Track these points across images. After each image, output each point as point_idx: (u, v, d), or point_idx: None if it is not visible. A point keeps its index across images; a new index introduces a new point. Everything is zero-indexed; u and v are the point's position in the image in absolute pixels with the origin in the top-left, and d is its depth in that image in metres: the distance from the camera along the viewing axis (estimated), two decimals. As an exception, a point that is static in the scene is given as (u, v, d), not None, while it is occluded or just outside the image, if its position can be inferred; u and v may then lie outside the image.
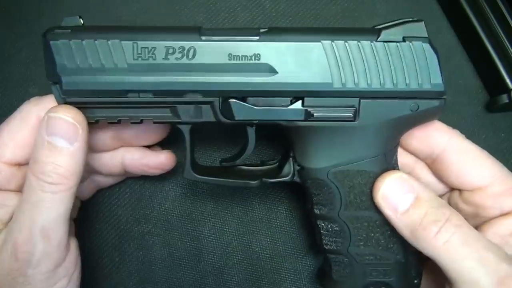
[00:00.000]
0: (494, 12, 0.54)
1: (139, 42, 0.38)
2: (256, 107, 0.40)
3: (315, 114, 0.40)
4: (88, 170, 0.48)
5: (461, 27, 0.57)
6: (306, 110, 0.40)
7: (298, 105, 0.40)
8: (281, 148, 0.49)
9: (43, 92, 0.44)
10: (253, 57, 0.38)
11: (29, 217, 0.38)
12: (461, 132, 0.45)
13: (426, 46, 0.39)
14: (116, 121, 0.41)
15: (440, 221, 0.38)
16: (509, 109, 0.55)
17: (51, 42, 0.38)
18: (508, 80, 0.53)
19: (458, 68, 0.57)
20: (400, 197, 0.40)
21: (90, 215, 0.54)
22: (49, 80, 0.39)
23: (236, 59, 0.39)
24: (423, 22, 0.39)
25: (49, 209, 0.38)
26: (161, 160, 0.49)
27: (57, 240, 0.39)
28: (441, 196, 0.46)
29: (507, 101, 0.53)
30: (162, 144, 0.51)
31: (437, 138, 0.43)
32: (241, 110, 0.40)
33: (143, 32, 0.39)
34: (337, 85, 0.39)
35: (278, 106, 0.40)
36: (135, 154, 0.48)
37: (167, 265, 0.54)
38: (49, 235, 0.38)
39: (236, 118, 0.40)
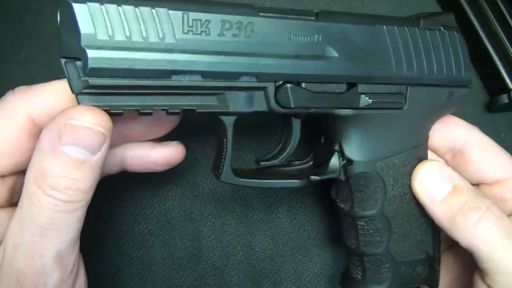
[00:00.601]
0: (494, 12, 0.54)
1: (190, 13, 0.32)
2: (313, 93, 0.37)
3: (371, 100, 0.38)
4: None
5: (461, 27, 0.57)
6: (362, 97, 0.38)
7: (354, 91, 0.38)
8: (305, 147, 0.46)
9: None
10: (313, 38, 0.35)
11: (40, 243, 0.31)
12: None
13: (459, 35, 0.41)
14: (149, 111, 0.33)
15: (481, 208, 0.37)
16: (509, 109, 0.55)
17: (74, 5, 0.29)
18: (508, 80, 0.53)
19: (458, 68, 0.57)
20: (438, 185, 0.39)
21: (90, 215, 0.54)
22: (63, 56, 0.30)
23: (297, 39, 0.35)
24: (452, 13, 0.41)
25: (65, 231, 0.32)
26: (171, 153, 0.41)
27: (72, 264, 0.33)
28: None
29: (507, 101, 0.53)
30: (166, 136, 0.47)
31: (459, 132, 0.43)
32: (299, 96, 0.36)
33: (196, 2, 0.33)
34: (388, 71, 0.38)
35: (335, 93, 0.38)
36: (139, 151, 0.41)
37: (167, 265, 0.54)
38: (65, 261, 0.32)
39: (293, 106, 0.36)
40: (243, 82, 0.35)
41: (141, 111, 0.33)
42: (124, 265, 0.53)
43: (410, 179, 0.41)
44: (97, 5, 0.29)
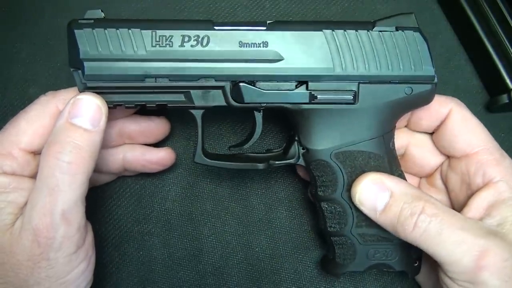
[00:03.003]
0: (494, 12, 0.54)
1: (158, 30, 0.41)
2: (264, 91, 0.43)
3: (318, 96, 0.43)
4: None
5: (461, 27, 0.57)
6: (310, 93, 0.43)
7: (303, 89, 0.43)
8: (285, 140, 0.51)
9: (43, 91, 0.45)
10: (261, 44, 0.42)
11: (49, 202, 0.38)
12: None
13: (417, 34, 0.43)
14: (133, 105, 0.43)
15: (415, 214, 0.40)
16: (509, 109, 0.55)
17: (75, 31, 0.41)
18: (508, 80, 0.53)
19: (458, 68, 0.57)
20: (376, 198, 0.42)
21: (90, 215, 0.53)
22: (71, 66, 0.42)
23: (246, 46, 0.42)
24: (413, 13, 0.44)
25: (68, 192, 0.39)
26: (162, 155, 0.51)
27: (77, 223, 0.40)
28: (435, 169, 0.50)
29: (507, 101, 0.53)
30: (168, 140, 0.52)
31: (441, 110, 0.46)
32: (250, 94, 0.43)
33: (162, 22, 0.42)
34: (338, 70, 0.42)
35: (284, 90, 0.43)
36: (137, 151, 0.50)
37: (167, 265, 0.54)
38: (69, 218, 0.39)
39: (246, 101, 0.43)
40: (203, 82, 0.42)
41: (126, 106, 0.43)
42: (124, 265, 0.53)
43: (368, 169, 0.44)
44: (89, 29, 0.41)
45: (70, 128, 0.40)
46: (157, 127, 0.51)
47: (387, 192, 0.42)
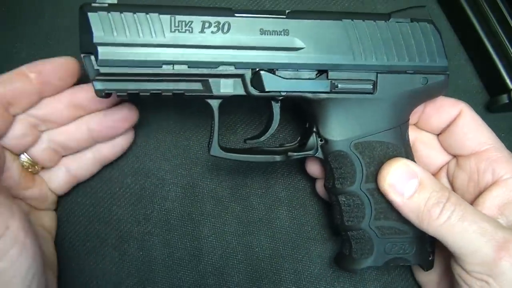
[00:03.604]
0: (494, 12, 0.54)
1: (177, 16, 0.40)
2: (285, 79, 0.42)
3: (339, 85, 0.43)
4: (57, 150, 0.48)
5: (461, 27, 0.57)
6: (330, 82, 0.43)
7: (323, 78, 0.43)
8: (299, 133, 0.50)
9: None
10: (282, 32, 0.41)
11: None
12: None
13: (431, 26, 0.44)
14: (148, 94, 0.41)
15: (442, 202, 0.41)
16: (509, 109, 0.55)
17: (89, 14, 0.39)
18: (508, 80, 0.53)
19: (458, 68, 0.57)
20: (405, 183, 0.42)
21: (90, 216, 0.54)
22: (82, 52, 0.40)
23: (267, 34, 0.41)
24: (426, 6, 0.45)
25: None
26: (125, 111, 0.48)
27: None
28: (440, 168, 0.50)
29: (507, 101, 0.53)
30: (168, 140, 0.51)
31: (452, 110, 0.47)
32: (271, 82, 0.42)
33: (181, 8, 0.41)
34: (357, 60, 0.43)
35: (305, 79, 0.43)
36: (98, 115, 0.48)
37: (167, 265, 0.54)
38: None
39: (266, 89, 0.42)
40: (223, 70, 0.41)
41: (140, 94, 0.41)
42: (124, 265, 0.53)
43: (387, 159, 0.44)
44: (105, 13, 0.39)
45: None
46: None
47: (416, 179, 0.42)
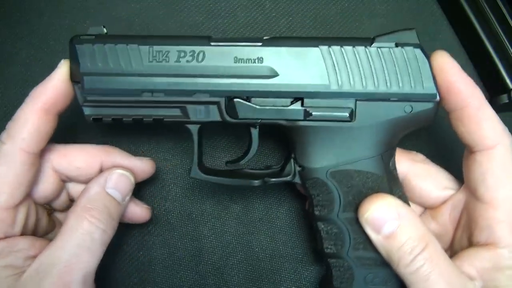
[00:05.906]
0: (494, 12, 0.53)
1: (155, 46, 0.42)
2: (259, 107, 0.43)
3: (313, 113, 0.42)
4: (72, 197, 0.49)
5: (461, 27, 0.57)
6: (305, 110, 0.42)
7: (298, 105, 0.43)
8: (283, 157, 0.50)
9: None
10: (256, 60, 0.42)
11: (74, 263, 0.40)
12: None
13: (418, 51, 0.41)
14: (130, 119, 0.44)
15: (415, 253, 0.39)
16: (509, 109, 0.55)
17: (76, 46, 0.42)
18: (508, 80, 0.53)
19: (458, 68, 0.57)
20: (385, 222, 0.40)
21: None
22: (72, 80, 0.43)
23: (241, 62, 0.42)
24: (415, 30, 0.42)
25: (93, 258, 0.41)
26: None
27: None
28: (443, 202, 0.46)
29: (507, 101, 0.53)
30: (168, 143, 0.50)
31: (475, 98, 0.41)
32: (245, 109, 0.43)
33: (159, 38, 0.43)
34: (334, 87, 0.42)
35: (279, 107, 0.43)
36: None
37: (167, 265, 0.54)
38: (87, 283, 0.41)
39: (240, 117, 0.43)
40: (198, 97, 0.43)
41: (124, 119, 0.44)
42: (124, 265, 0.53)
43: (366, 189, 0.42)
44: (90, 45, 0.42)
45: (107, 197, 0.43)
46: (142, 166, 0.49)
47: (397, 221, 0.40)
